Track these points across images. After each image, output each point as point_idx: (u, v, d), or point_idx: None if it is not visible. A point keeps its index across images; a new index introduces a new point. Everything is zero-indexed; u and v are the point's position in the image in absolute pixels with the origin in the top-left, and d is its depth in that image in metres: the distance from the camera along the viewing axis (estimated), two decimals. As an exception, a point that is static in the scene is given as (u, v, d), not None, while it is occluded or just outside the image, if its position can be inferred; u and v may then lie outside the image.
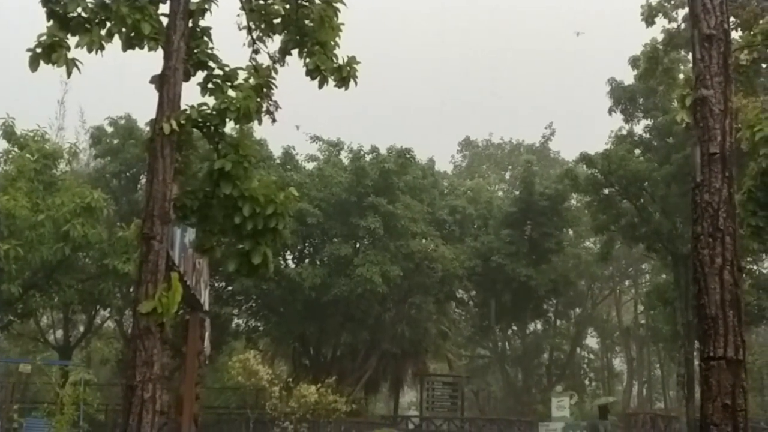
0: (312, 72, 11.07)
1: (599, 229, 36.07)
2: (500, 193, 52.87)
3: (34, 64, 9.49)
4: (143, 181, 30.59)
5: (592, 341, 58.93)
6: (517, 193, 43.21)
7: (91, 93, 42.17)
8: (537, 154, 58.24)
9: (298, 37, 11.20)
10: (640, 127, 35.10)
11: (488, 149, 66.42)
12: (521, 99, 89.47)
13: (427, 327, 36.59)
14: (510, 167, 61.33)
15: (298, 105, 22.28)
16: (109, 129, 35.09)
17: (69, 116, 56.47)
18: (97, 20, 9.74)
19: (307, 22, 11.15)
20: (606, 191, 34.54)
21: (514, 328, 50.48)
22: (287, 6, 11.16)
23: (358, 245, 34.92)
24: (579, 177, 35.30)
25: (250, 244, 10.10)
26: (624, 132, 34.94)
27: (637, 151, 34.36)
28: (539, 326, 51.94)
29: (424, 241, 34.96)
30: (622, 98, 34.05)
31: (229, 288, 34.82)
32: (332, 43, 11.15)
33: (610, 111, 34.28)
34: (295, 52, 11.28)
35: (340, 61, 11.16)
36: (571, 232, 45.03)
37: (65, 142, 32.06)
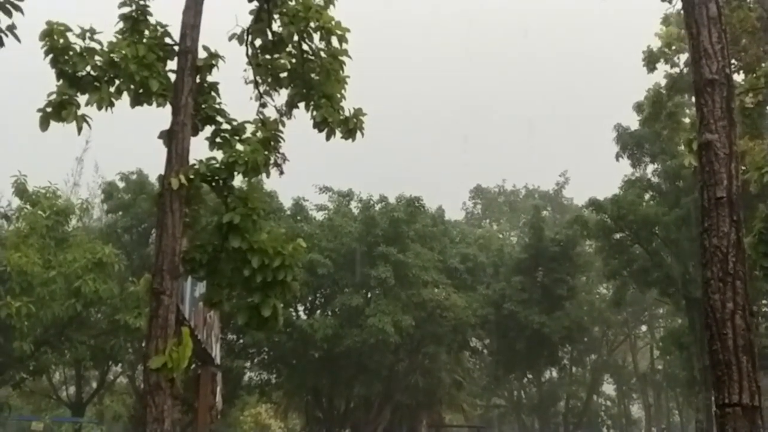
0: (319, 124, 11.14)
1: (611, 274, 35.86)
2: (514, 239, 52.72)
3: (44, 124, 9.61)
4: (155, 235, 30.68)
5: (608, 388, 58.25)
6: (527, 239, 43.12)
7: (111, 149, 42.67)
8: (551, 200, 58.29)
9: (304, 91, 11.31)
10: (650, 171, 35.21)
11: (501, 196, 66.51)
12: (536, 144, 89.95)
13: (441, 377, 36.20)
14: (522, 215, 61.37)
15: (307, 153, 22.38)
16: (121, 184, 35.38)
17: (87, 172, 57.24)
18: (106, 78, 9.90)
19: (313, 75, 11.27)
20: (617, 236, 34.43)
21: (530, 376, 49.92)
22: (293, 60, 11.32)
23: (369, 295, 34.76)
24: (589, 222, 35.21)
25: (260, 297, 10.01)
26: (635, 177, 34.98)
27: (647, 196, 34.31)
28: (554, 374, 51.43)
29: (435, 289, 34.76)
30: (629, 144, 34.16)
31: (241, 341, 34.64)
32: (339, 95, 11.26)
33: (617, 157, 34.41)
34: (301, 104, 11.40)
35: (347, 113, 11.25)
36: (583, 278, 44.79)
37: (78, 198, 32.29)
